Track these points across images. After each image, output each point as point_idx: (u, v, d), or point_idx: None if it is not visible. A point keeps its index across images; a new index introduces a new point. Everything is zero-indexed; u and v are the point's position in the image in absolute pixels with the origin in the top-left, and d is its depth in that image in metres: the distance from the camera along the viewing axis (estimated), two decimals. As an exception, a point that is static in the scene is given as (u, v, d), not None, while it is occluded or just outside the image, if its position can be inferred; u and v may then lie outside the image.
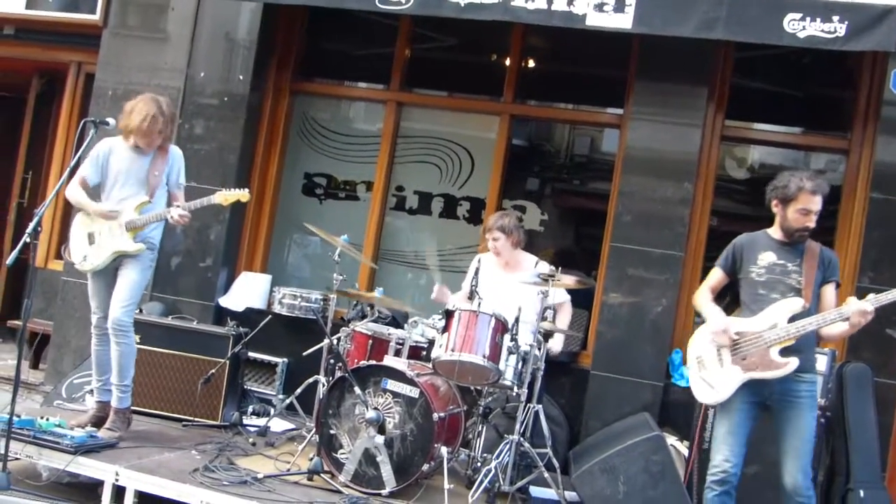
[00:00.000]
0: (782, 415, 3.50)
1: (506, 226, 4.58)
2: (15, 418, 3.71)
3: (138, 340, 4.45)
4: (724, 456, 3.50)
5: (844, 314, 3.35)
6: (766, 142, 5.90)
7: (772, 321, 3.46)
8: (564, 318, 4.67)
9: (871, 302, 3.31)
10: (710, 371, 3.59)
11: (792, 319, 3.43)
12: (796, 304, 3.45)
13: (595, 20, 4.60)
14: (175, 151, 4.40)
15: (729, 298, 3.85)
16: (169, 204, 4.34)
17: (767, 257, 3.56)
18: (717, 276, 3.74)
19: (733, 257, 3.68)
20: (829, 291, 3.54)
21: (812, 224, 3.51)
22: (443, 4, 4.79)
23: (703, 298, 3.72)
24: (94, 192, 4.34)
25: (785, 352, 3.42)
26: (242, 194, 4.25)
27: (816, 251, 3.56)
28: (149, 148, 4.25)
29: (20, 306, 6.35)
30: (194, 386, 4.75)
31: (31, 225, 3.72)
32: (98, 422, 4.25)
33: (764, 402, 3.54)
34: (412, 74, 6.01)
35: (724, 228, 6.01)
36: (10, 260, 3.71)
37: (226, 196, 4.22)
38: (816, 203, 3.48)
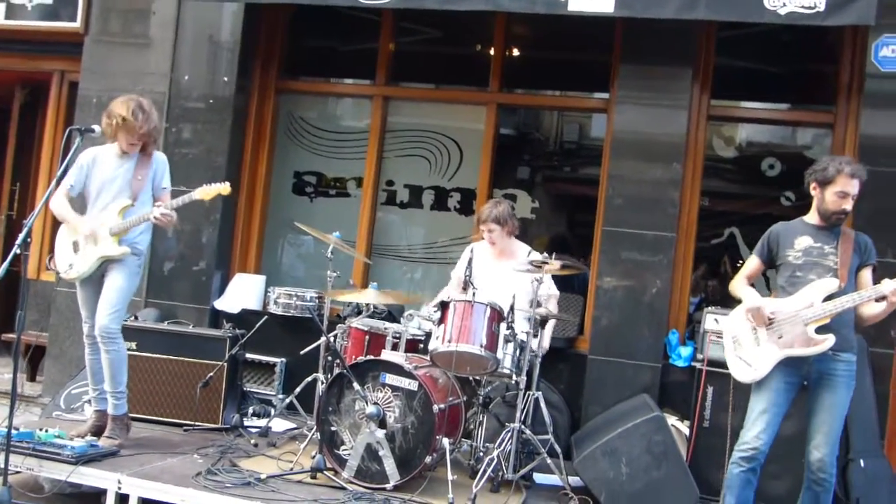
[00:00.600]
0: (818, 392, 3.53)
1: (500, 216, 4.58)
2: (14, 431, 3.69)
3: (135, 347, 4.43)
4: (755, 433, 3.53)
5: (880, 292, 3.39)
6: (753, 119, 5.92)
7: (807, 301, 3.50)
8: (551, 309, 4.66)
9: None
10: (746, 350, 3.62)
11: (827, 299, 3.47)
12: (832, 284, 3.48)
13: (577, 5, 4.59)
14: (158, 156, 4.37)
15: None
16: (156, 209, 4.32)
17: (804, 241, 3.60)
18: (753, 264, 3.78)
19: (768, 245, 3.72)
20: (867, 275, 3.59)
21: (849, 207, 3.55)
22: (424, -3, 4.78)
23: (738, 284, 3.76)
24: (80, 200, 4.31)
25: (821, 330, 3.45)
26: (223, 188, 4.22)
27: (851, 235, 3.60)
28: (132, 148, 4.22)
29: (13, 319, 6.31)
30: (193, 390, 4.74)
31: (21, 236, 3.68)
32: (98, 431, 4.24)
33: (802, 382, 3.57)
34: (397, 68, 5.99)
35: (715, 208, 6.05)
36: (0, 272, 3.68)
37: (206, 191, 4.20)
38: (854, 186, 3.53)
